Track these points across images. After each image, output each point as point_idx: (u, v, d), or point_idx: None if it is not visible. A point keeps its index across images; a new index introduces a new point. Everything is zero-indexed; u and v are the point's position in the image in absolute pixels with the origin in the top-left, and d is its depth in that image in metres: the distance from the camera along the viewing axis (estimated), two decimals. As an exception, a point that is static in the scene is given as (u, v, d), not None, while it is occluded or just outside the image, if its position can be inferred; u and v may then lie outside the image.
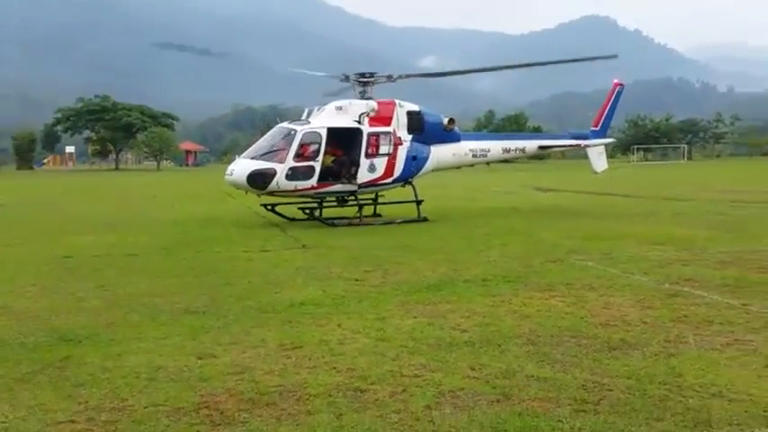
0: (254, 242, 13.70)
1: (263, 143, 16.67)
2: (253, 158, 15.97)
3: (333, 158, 16.64)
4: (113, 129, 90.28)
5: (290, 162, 15.67)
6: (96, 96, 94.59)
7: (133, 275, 10.08)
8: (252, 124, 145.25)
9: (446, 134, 18.56)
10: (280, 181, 15.61)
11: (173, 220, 18.29)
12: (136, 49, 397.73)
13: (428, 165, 18.17)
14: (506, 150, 19.97)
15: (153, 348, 6.44)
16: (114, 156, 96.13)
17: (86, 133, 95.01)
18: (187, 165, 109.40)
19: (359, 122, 16.59)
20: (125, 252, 12.48)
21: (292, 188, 15.81)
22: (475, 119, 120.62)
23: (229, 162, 18.66)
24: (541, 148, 20.75)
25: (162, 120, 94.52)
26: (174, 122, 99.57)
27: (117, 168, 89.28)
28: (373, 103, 16.66)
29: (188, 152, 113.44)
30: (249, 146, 18.05)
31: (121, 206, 24.15)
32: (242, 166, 15.97)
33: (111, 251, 12.58)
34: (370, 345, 6.44)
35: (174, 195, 29.96)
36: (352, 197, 17.14)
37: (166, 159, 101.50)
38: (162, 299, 8.49)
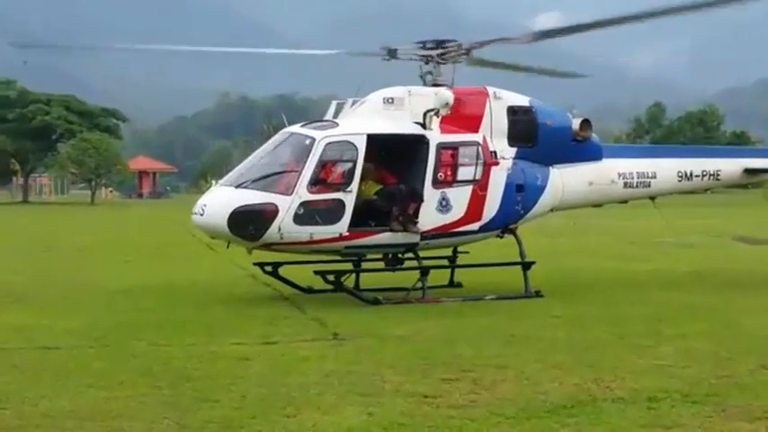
0: (251, 328, 13.77)
1: (256, 161, 16.96)
2: (239, 186, 16.18)
3: (377, 188, 16.81)
4: (20, 135, 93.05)
5: (303, 193, 15.84)
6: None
7: (49, 384, 10.19)
8: (248, 126, 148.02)
9: (578, 147, 18.62)
10: (284, 225, 15.74)
11: (117, 290, 18.55)
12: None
13: (545, 200, 18.24)
14: (686, 176, 19.91)
15: None
16: (21, 180, 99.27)
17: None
18: (141, 195, 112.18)
19: (423, 126, 16.76)
20: (38, 344, 12.66)
21: (306, 238, 15.98)
22: (629, 119, 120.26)
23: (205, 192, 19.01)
24: (749, 171, 20.66)
25: (100, 120, 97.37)
26: (121, 124, 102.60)
27: (26, 201, 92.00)
28: (448, 94, 16.77)
29: (143, 174, 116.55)
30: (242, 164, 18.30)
31: (34, 264, 24.73)
32: (220, 200, 16.21)
33: (16, 342, 12.79)
34: None
35: (121, 247, 30.60)
36: (411, 254, 17.25)
37: (108, 186, 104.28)
38: (97, 426, 8.55)
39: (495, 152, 17.33)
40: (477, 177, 17.08)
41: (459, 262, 18.72)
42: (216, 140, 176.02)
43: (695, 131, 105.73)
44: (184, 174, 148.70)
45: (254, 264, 17.95)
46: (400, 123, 16.81)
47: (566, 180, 18.45)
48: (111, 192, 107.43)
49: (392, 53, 17.89)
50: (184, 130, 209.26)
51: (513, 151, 17.68)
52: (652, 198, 20.26)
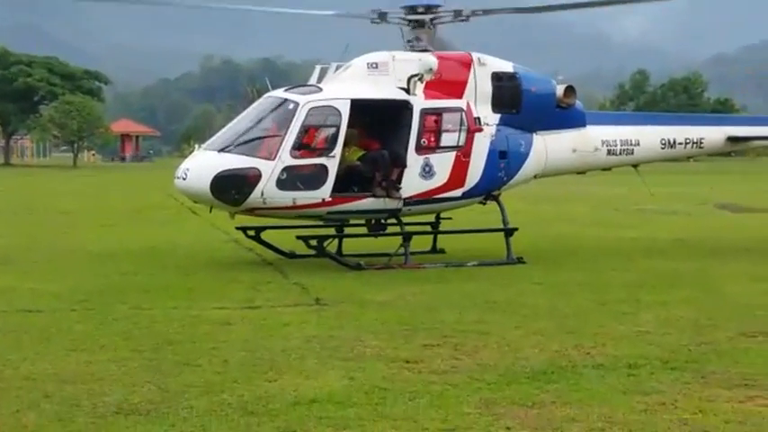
0: (233, 293, 13.82)
1: (240, 125, 16.93)
2: (222, 150, 16.23)
3: (360, 153, 16.82)
4: (1, 96, 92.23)
5: (286, 158, 15.87)
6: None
7: (31, 347, 10.22)
8: (231, 90, 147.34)
9: (561, 114, 18.61)
10: (267, 190, 15.78)
11: (100, 253, 18.60)
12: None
13: (528, 166, 18.26)
14: (669, 144, 19.95)
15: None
16: (3, 142, 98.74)
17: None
18: (123, 159, 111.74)
19: (407, 91, 16.74)
20: (20, 306, 12.70)
21: (289, 203, 16.02)
22: (613, 86, 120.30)
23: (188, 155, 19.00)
24: (732, 139, 20.66)
25: (83, 83, 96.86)
26: (104, 87, 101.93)
27: (7, 163, 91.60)
28: (431, 59, 16.69)
29: (125, 138, 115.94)
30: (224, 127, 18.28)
31: (17, 227, 24.71)
32: (203, 164, 16.22)
33: (-3, 304, 12.83)
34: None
35: (103, 210, 30.57)
36: (394, 220, 17.29)
37: (90, 149, 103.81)
38: (78, 389, 8.56)
39: (478, 118, 17.32)
40: (461, 143, 17.07)
41: (441, 228, 18.76)
42: (199, 104, 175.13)
43: (679, 99, 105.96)
44: (167, 137, 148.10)
45: (237, 228, 17.97)
46: (384, 88, 16.77)
47: (549, 147, 18.44)
48: (93, 155, 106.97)
49: (382, 16, 17.84)
50: (168, 93, 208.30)
51: (496, 117, 17.66)
52: (635, 166, 20.27)
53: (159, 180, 42.13)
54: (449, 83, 17.25)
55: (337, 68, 17.31)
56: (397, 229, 17.22)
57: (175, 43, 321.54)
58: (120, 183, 54.58)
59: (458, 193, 17.29)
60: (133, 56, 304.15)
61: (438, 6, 17.74)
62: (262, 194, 15.77)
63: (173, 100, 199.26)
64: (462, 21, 17.86)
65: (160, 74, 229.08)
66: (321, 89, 16.74)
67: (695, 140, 20.17)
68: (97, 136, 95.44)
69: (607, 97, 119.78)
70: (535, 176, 18.83)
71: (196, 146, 18.44)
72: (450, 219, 18.96)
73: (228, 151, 16.13)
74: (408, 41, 17.83)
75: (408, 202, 16.77)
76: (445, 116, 17.01)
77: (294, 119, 16.00)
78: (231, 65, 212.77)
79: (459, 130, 17.06)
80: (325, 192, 16.06)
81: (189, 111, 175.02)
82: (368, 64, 17.07)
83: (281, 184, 15.84)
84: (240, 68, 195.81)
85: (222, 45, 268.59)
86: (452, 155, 17.06)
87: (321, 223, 17.49)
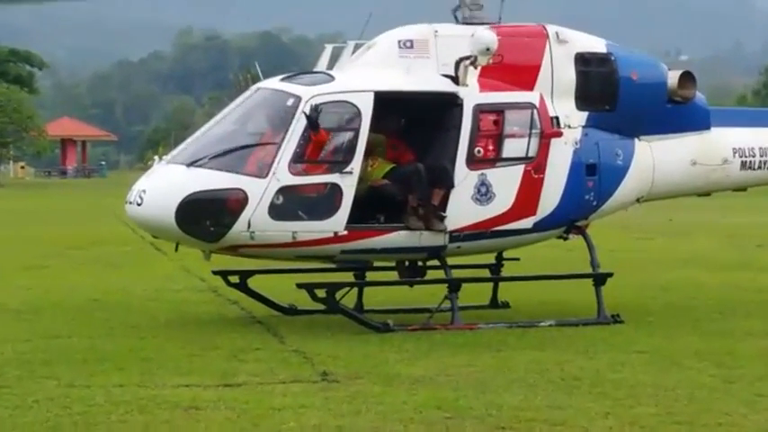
0: (206, 364, 13.85)
1: (217, 129, 17.12)
2: (193, 164, 16.38)
3: (388, 168, 16.93)
4: None
5: (283, 175, 16.06)
6: None
7: None
8: (217, 76, 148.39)
9: (676, 112, 18.68)
10: (256, 220, 15.94)
11: (20, 308, 18.71)
12: None
13: (627, 185, 18.32)
14: None
15: None
16: None
17: None
18: (65, 173, 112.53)
19: (455, 80, 16.84)
20: None
21: (287, 238, 16.20)
22: (758, 71, 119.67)
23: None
24: None
25: (9, 67, 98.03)
26: (38, 73, 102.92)
27: None
28: (489, 35, 16.68)
29: (67, 144, 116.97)
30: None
31: None
32: (165, 184, 16.44)
33: None
34: None
35: (30, 246, 30.66)
36: (437, 262, 17.34)
37: (18, 160, 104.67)
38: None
39: (557, 118, 17.43)
40: (532, 154, 17.15)
41: (504, 274, 18.79)
42: (173, 96, 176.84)
43: None
44: (127, 143, 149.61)
45: (214, 273, 18.04)
46: (422, 76, 16.94)
47: (658, 158, 18.46)
48: (22, 167, 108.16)
49: None
50: (129, 81, 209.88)
51: (583, 117, 17.77)
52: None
53: (114, 203, 42.30)
54: (514, 68, 17.40)
55: (356, 48, 17.52)
56: (441, 274, 17.25)
57: (139, 13, 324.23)
58: (58, 207, 54.86)
59: (527, 223, 17.34)
60: (80, 30, 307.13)
61: None
62: (249, 226, 15.87)
63: (136, 91, 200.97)
64: None
65: (118, 54, 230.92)
66: (333, 78, 16.92)
67: None
68: (28, 141, 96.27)
69: (748, 86, 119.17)
70: (638, 200, 18.87)
71: (156, 157, 18.46)
72: (517, 260, 18.99)
73: (201, 165, 16.24)
74: (456, 9, 17.93)
75: (456, 236, 16.84)
76: (509, 115, 17.11)
77: (294, 120, 16.13)
78: (217, 42, 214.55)
79: (530, 135, 17.14)
80: (338, 222, 16.15)
81: (158, 105, 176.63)
82: (399, 42, 17.22)
83: (277, 211, 15.96)
84: (229, 46, 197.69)
85: (204, 14, 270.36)
86: (519, 170, 17.13)
87: (333, 266, 17.52)
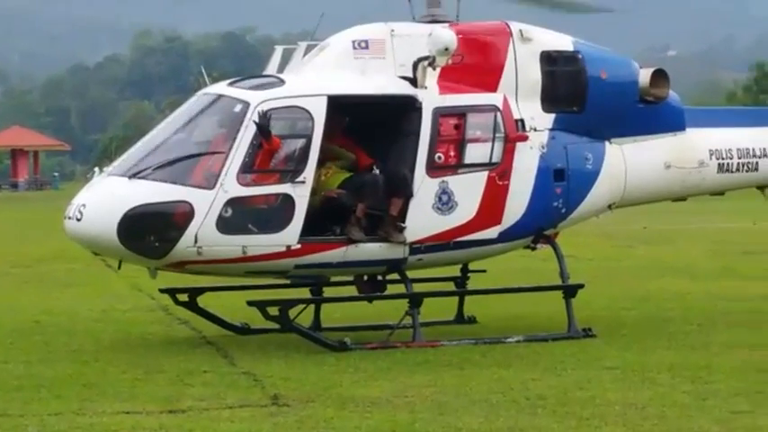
0: (150, 389, 13.81)
1: (160, 137, 17.10)
2: (135, 176, 16.37)
3: (344, 177, 16.93)
4: None
5: (231, 186, 16.07)
6: None
7: None
8: (178, 80, 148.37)
9: (648, 112, 18.74)
10: (204, 234, 15.97)
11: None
12: None
13: (598, 191, 18.38)
14: None
15: None
16: None
17: None
18: (15, 186, 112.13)
19: (413, 82, 16.86)
20: None
21: (237, 253, 16.24)
22: (748, 66, 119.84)
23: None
24: None
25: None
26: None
27: None
28: (448, 34, 16.74)
29: (18, 154, 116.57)
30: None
31: None
32: (105, 197, 16.45)
33: None
34: None
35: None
36: (396, 275, 17.33)
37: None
38: None
39: (522, 121, 17.46)
40: (496, 159, 17.19)
41: (469, 287, 18.78)
42: (131, 101, 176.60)
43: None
44: (83, 152, 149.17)
45: (162, 291, 18.01)
46: (378, 79, 16.97)
47: (630, 161, 18.50)
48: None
49: None
50: (84, 87, 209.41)
51: (549, 119, 17.82)
52: (762, 188, 20.37)
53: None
54: (476, 69, 17.44)
55: (308, 50, 17.52)
56: (402, 288, 17.24)
57: (95, 13, 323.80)
58: (5, 222, 54.68)
59: (492, 233, 17.36)
60: (33, 33, 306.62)
61: None
62: (196, 241, 15.87)
63: (92, 97, 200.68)
64: None
65: (73, 59, 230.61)
66: (283, 81, 16.95)
67: None
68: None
69: (739, 82, 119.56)
70: (610, 206, 18.88)
71: (96, 169, 18.47)
72: (483, 272, 18.97)
73: (144, 177, 16.23)
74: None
75: (417, 248, 16.85)
76: (471, 118, 17.15)
77: (243, 127, 16.13)
78: (178, 43, 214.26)
79: (493, 140, 17.17)
80: (290, 235, 16.16)
81: (115, 112, 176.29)
82: (353, 43, 17.25)
83: (225, 224, 15.98)
84: (190, 48, 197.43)
85: (164, 14, 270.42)
86: (483, 176, 17.17)
87: (287, 282, 17.50)
